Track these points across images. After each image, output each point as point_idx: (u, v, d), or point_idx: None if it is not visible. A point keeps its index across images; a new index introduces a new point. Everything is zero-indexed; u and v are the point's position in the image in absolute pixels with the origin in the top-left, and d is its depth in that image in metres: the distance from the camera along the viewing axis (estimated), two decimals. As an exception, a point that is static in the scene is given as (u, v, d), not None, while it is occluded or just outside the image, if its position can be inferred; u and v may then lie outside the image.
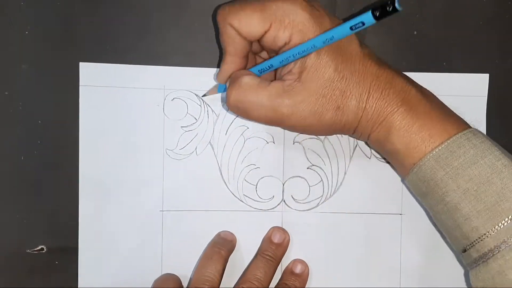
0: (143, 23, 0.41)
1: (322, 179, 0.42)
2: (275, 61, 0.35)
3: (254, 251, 0.42)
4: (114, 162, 0.41)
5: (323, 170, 0.42)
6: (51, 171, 0.40)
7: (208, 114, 0.41)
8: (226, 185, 0.42)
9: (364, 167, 0.42)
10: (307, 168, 0.42)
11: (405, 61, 0.42)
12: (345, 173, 0.42)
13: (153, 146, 0.41)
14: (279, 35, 0.34)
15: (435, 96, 0.37)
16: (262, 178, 0.42)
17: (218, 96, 0.41)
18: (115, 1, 0.40)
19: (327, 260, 0.42)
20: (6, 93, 0.40)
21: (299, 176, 0.42)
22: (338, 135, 0.42)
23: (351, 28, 0.31)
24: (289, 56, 0.34)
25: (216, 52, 0.41)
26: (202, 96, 0.41)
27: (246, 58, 0.37)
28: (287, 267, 0.42)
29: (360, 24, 0.30)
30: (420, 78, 0.41)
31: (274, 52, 0.37)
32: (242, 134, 0.42)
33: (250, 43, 0.36)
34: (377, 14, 0.29)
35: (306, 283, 0.41)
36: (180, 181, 0.41)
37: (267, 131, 0.42)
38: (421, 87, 0.37)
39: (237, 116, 0.41)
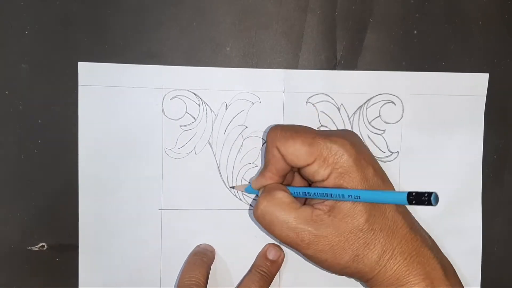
0: (142, 22, 0.41)
1: (320, 178, 0.42)
2: (312, 191, 0.36)
3: (252, 250, 0.42)
4: (113, 161, 0.41)
5: (321, 170, 0.42)
6: (51, 169, 0.41)
7: (207, 113, 0.41)
8: (224, 184, 0.42)
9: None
10: (306, 167, 0.42)
11: (405, 61, 0.42)
12: (343, 172, 0.42)
13: (152, 145, 0.41)
14: (319, 171, 0.35)
15: (457, 278, 0.36)
16: (260, 177, 0.42)
17: (216, 94, 0.41)
18: (114, 1, 0.40)
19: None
20: (6, 92, 0.40)
21: (298, 175, 0.42)
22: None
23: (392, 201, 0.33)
24: (328, 194, 0.35)
25: (214, 51, 0.41)
26: (231, 187, 0.42)
27: (284, 176, 0.38)
28: (261, 252, 0.42)
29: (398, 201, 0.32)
30: (420, 77, 0.42)
31: (310, 180, 0.37)
32: (240, 133, 0.42)
33: (291, 167, 0.37)
34: (413, 201, 0.31)
35: (279, 269, 0.41)
36: (179, 180, 0.42)
37: (266, 130, 0.42)
38: (446, 263, 0.36)
39: (235, 117, 0.41)
